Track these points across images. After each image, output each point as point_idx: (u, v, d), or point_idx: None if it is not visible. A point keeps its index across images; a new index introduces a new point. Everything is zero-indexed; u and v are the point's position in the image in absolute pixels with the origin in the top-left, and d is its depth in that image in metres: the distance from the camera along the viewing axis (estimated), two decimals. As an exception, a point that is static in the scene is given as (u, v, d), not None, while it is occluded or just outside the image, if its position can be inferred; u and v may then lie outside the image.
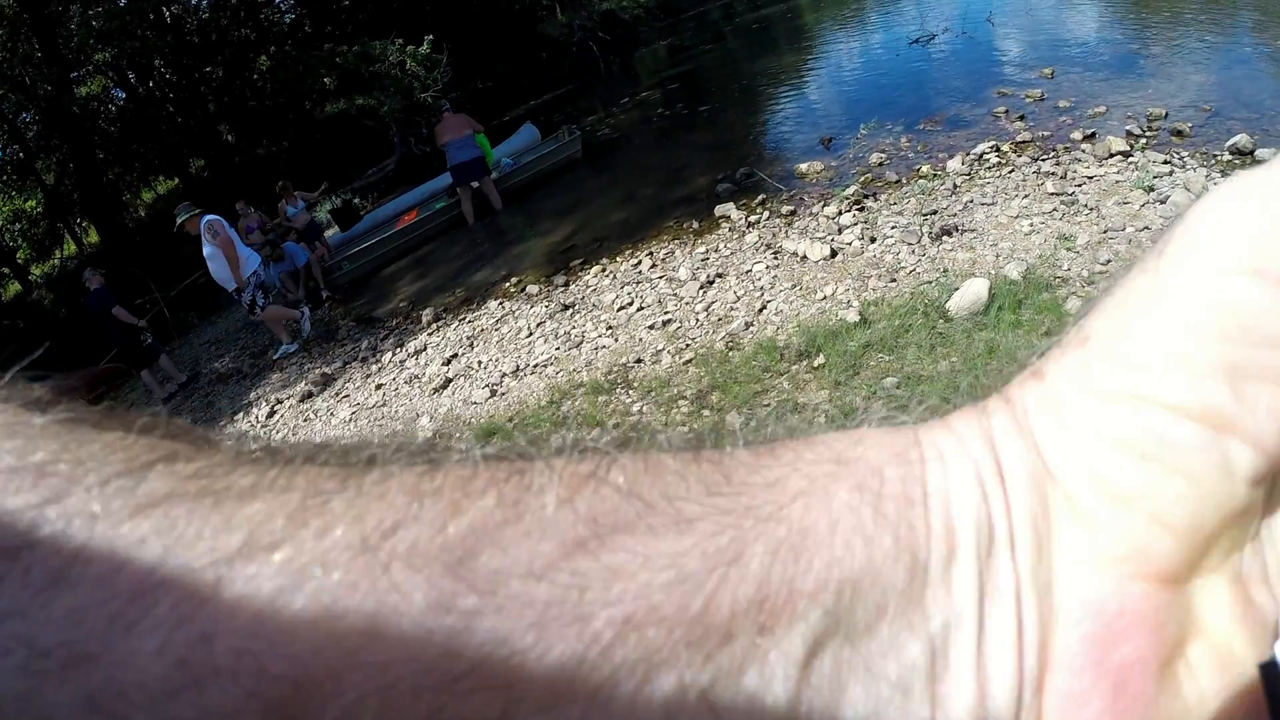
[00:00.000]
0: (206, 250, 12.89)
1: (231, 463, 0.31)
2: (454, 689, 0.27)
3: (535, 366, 9.07)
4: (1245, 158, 11.79)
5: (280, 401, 11.23)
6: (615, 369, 8.17)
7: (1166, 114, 13.48)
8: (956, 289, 7.16)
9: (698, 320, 8.67)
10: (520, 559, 0.31)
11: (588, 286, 10.94)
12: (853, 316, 7.37)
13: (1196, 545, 0.37)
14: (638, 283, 10.32)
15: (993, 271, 7.71)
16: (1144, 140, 12.28)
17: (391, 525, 0.29)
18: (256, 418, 10.99)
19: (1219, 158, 11.70)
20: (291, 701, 0.25)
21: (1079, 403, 0.38)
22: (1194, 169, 11.05)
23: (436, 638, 0.28)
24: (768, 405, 6.57)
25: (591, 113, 23.24)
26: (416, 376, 10.16)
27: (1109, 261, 7.68)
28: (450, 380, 9.57)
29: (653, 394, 7.42)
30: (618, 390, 7.77)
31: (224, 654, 0.25)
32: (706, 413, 6.79)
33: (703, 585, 0.33)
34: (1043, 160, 11.23)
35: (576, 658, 0.29)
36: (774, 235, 10.41)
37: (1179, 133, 12.74)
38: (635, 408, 7.33)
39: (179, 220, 13.16)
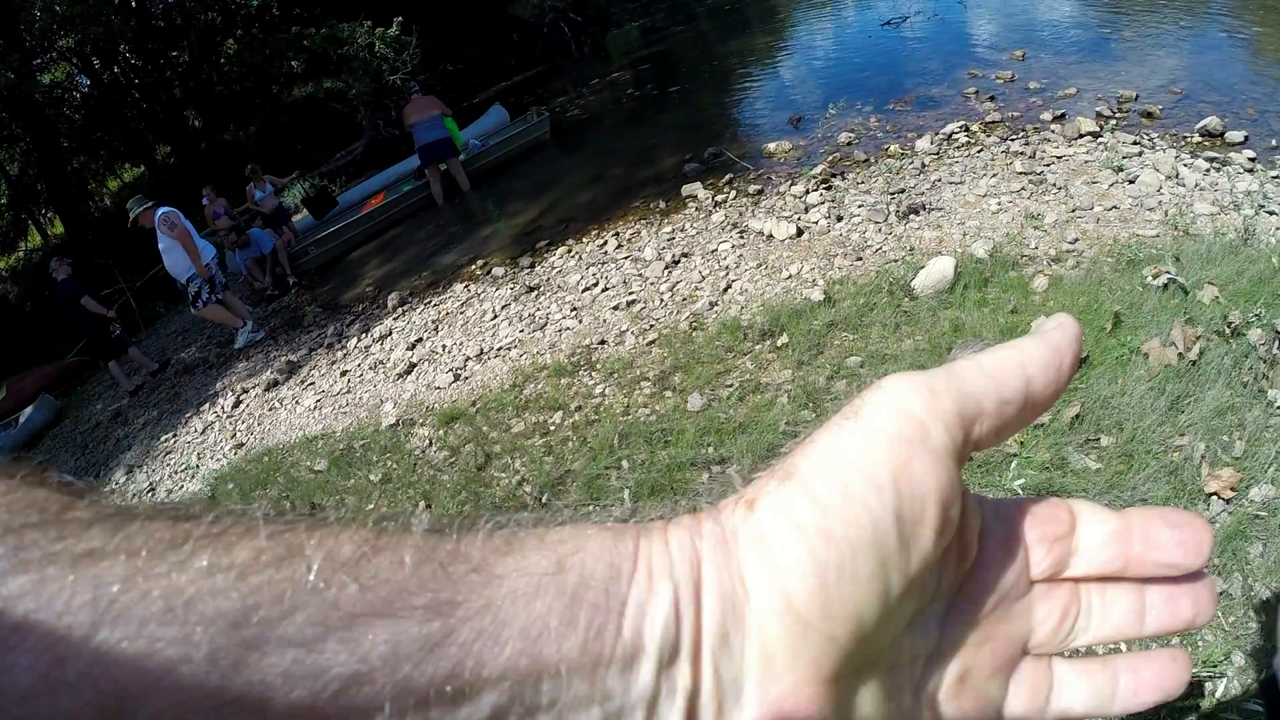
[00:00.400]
0: (162, 244, 12.69)
1: (88, 523, 0.40)
2: (219, 714, 0.37)
3: (499, 349, 9.04)
4: (1215, 139, 12.00)
5: (246, 391, 11.13)
6: (579, 350, 8.14)
7: (1137, 96, 13.63)
8: (922, 267, 7.17)
9: (662, 301, 8.68)
10: (284, 630, 0.40)
11: (553, 268, 10.90)
12: (817, 295, 7.36)
13: (861, 657, 0.48)
14: (603, 263, 10.31)
15: (959, 250, 7.73)
16: (1114, 122, 12.39)
17: (194, 594, 0.39)
18: (222, 409, 10.88)
19: (1189, 139, 11.91)
20: (114, 709, 0.36)
21: (778, 535, 0.47)
22: (1163, 150, 11.20)
23: (212, 678, 0.37)
24: (730, 385, 6.55)
25: (562, 94, 23.14)
26: (381, 362, 10.11)
27: (1076, 240, 7.75)
28: (414, 365, 9.53)
29: (615, 375, 7.40)
30: (581, 372, 7.75)
31: (72, 673, 0.36)
32: (669, 394, 6.77)
33: (411, 658, 0.41)
34: (1012, 140, 11.27)
35: (307, 703, 0.39)
36: (740, 215, 10.42)
37: (1149, 115, 12.91)
38: (598, 389, 7.31)
39: (132, 215, 12.91)
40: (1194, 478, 4.73)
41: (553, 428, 7.00)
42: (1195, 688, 3.70)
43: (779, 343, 6.95)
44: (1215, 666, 3.74)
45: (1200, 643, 3.93)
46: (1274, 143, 11.97)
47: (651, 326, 8.17)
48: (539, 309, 9.72)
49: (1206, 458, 4.84)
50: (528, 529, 0.51)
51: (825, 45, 19.79)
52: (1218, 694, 3.61)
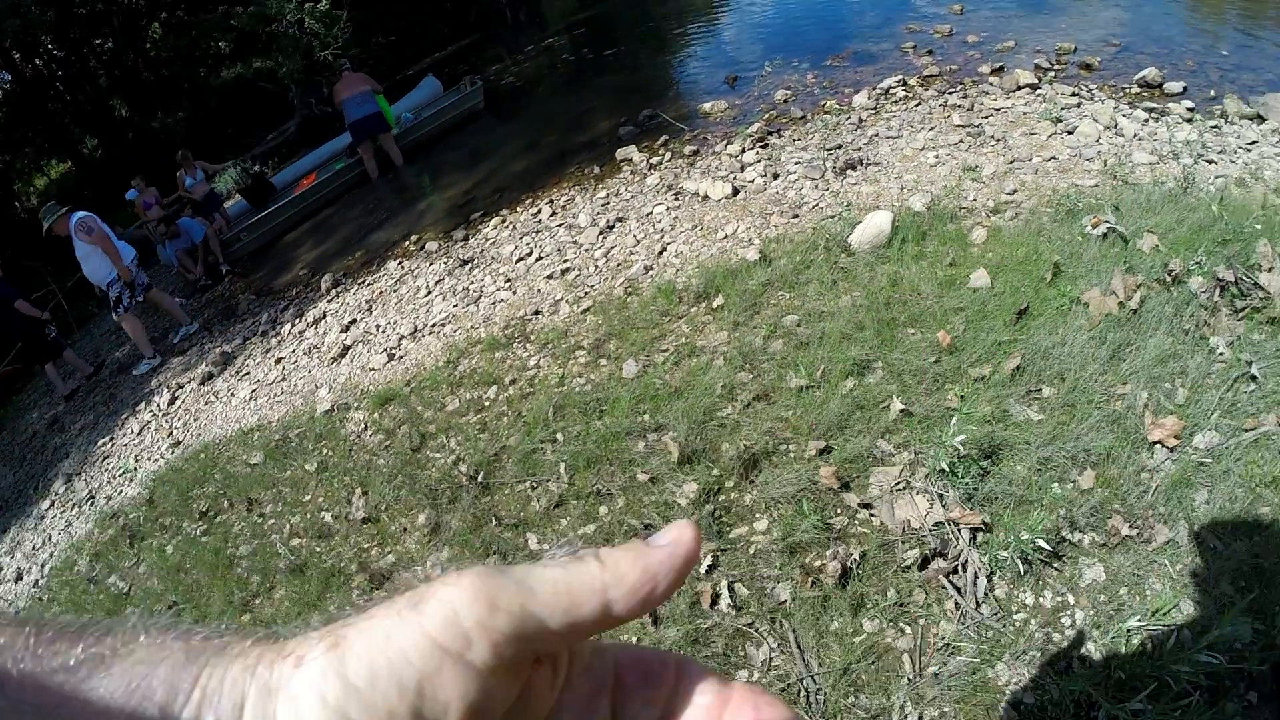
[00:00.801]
0: (80, 250, 12.09)
1: None
2: None
3: (433, 326, 8.81)
4: (1154, 90, 12.09)
5: (181, 386, 10.80)
6: (513, 323, 7.94)
7: (1075, 49, 13.70)
8: (859, 223, 7.03)
9: (597, 267, 8.54)
10: None
11: (487, 239, 10.67)
12: (753, 255, 7.22)
13: None
14: (537, 232, 10.14)
15: (896, 204, 7.62)
16: (1052, 74, 12.40)
17: None
18: (158, 407, 10.54)
19: (1127, 90, 11.98)
20: None
21: (307, 703, 0.49)
22: (1102, 101, 11.20)
23: None
24: (665, 350, 6.39)
25: (496, 62, 22.78)
26: (316, 347, 9.84)
27: (1014, 192, 7.67)
28: (349, 348, 9.27)
29: (550, 346, 7.21)
30: (515, 345, 7.56)
31: None
32: (604, 362, 6.60)
33: None
34: (950, 94, 11.21)
35: None
36: (676, 176, 10.31)
37: (1088, 66, 13.02)
38: (533, 361, 7.11)
39: (46, 224, 12.20)
40: (1137, 426, 4.61)
41: (487, 403, 6.81)
42: (1146, 640, 3.61)
43: (714, 304, 6.79)
44: (1165, 616, 3.63)
45: (1148, 592, 3.86)
46: (1212, 93, 12.20)
47: (586, 294, 7.99)
48: (473, 282, 9.49)
49: (1149, 406, 4.73)
50: (131, 642, 0.54)
51: (763, 3, 19.64)
52: (1168, 644, 3.49)
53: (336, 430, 7.41)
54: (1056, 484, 4.41)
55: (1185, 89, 12.19)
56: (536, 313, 8.10)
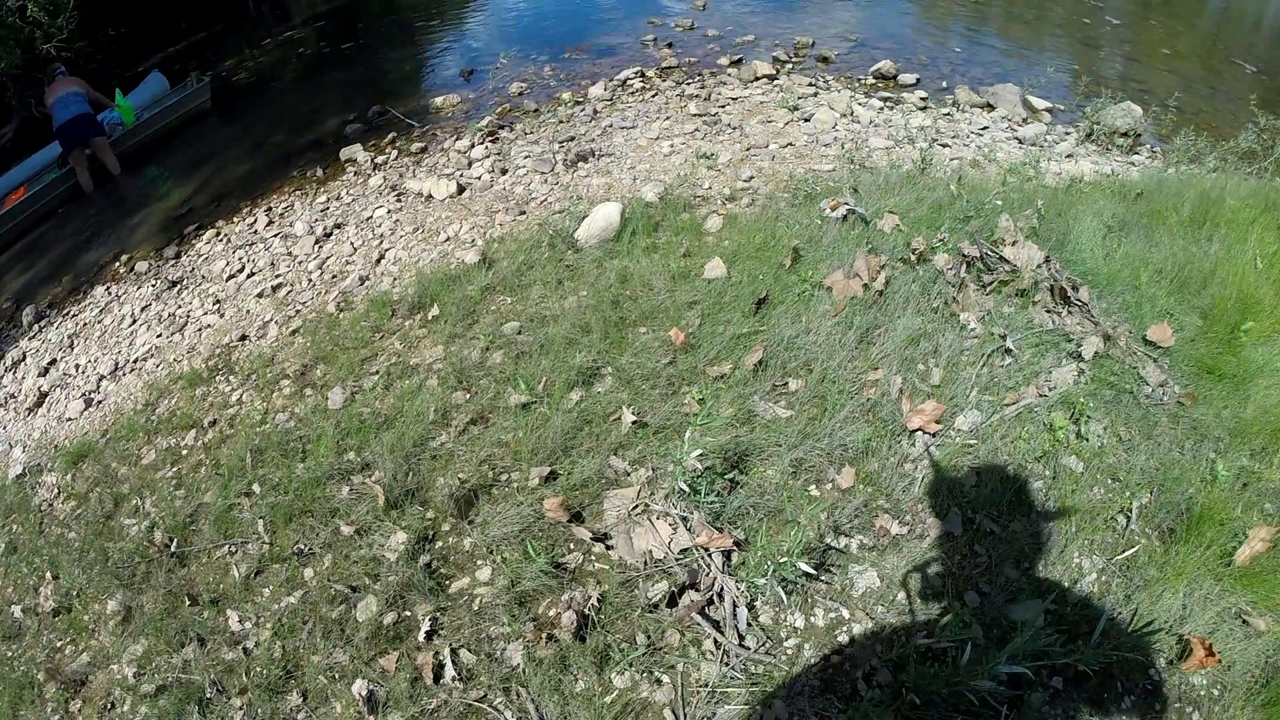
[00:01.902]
0: None
1: None
2: None
3: (135, 362, 7.52)
4: (889, 81, 12.38)
5: None
6: (218, 351, 6.86)
7: (814, 43, 13.89)
8: (586, 216, 6.34)
9: (310, 281, 7.61)
10: None
11: (199, 255, 9.36)
12: (473, 258, 6.45)
13: None
14: (251, 244, 9.01)
15: (629, 195, 7.09)
16: (790, 65, 12.43)
17: None
18: None
19: (863, 81, 12.12)
20: None
21: None
22: (838, 90, 11.21)
23: None
24: (375, 373, 5.51)
25: (231, 56, 21.17)
26: (12, 396, 8.34)
27: (751, 178, 7.31)
28: (45, 395, 7.86)
29: (255, 376, 6.19)
30: (218, 377, 6.47)
31: None
32: (309, 392, 5.67)
33: None
34: (687, 84, 10.97)
35: None
36: (400, 176, 9.53)
37: (825, 59, 13.25)
38: (235, 396, 6.07)
39: None
40: (894, 415, 4.12)
41: (185, 452, 5.70)
42: (938, 657, 3.13)
43: (430, 315, 5.98)
44: (958, 634, 3.13)
45: (927, 590, 3.39)
46: (944, 84, 12.71)
47: (297, 312, 7.02)
48: (180, 306, 8.21)
49: (905, 391, 4.24)
50: None
51: None
52: (963, 657, 3.00)
53: (27, 500, 6.05)
54: (814, 486, 3.83)
55: (919, 80, 12.59)
56: (243, 338, 7.02)
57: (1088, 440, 4.03)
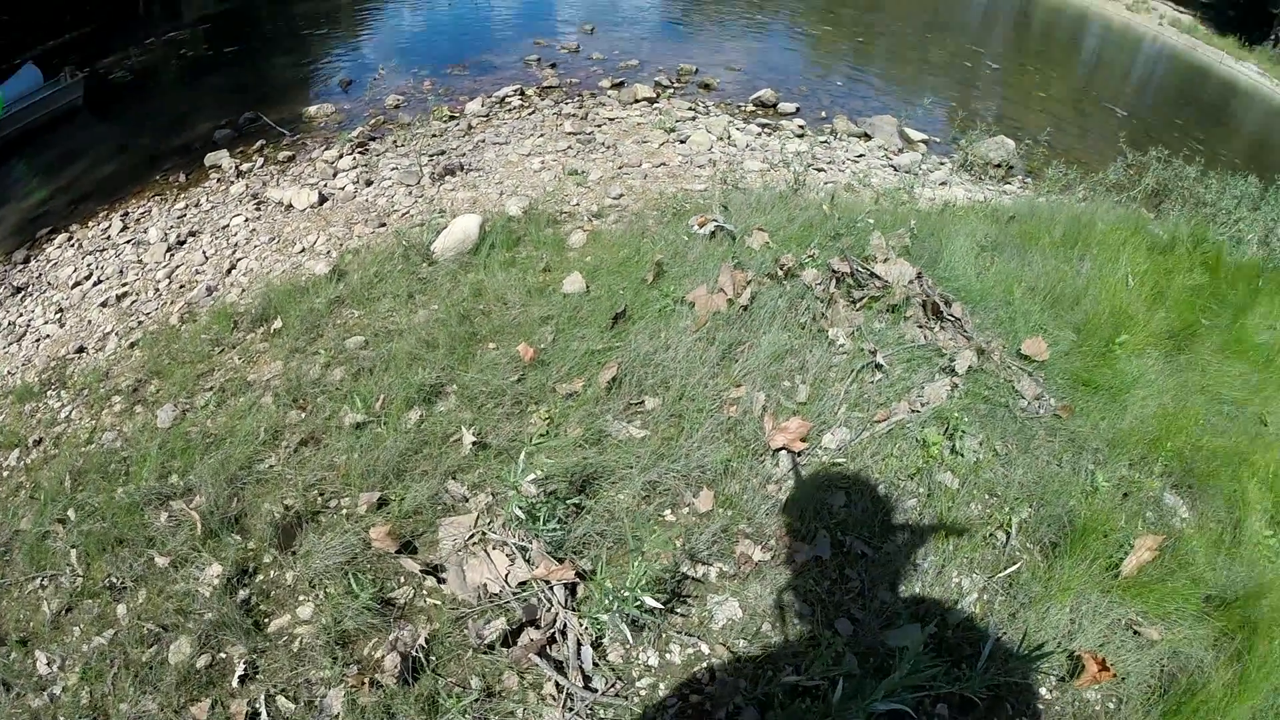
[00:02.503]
0: None
1: None
2: None
3: (-33, 379, 6.90)
4: (769, 109, 12.51)
5: None
6: (53, 364, 6.37)
7: (697, 70, 14.01)
8: (444, 229, 5.93)
9: (157, 291, 7.22)
10: None
11: (48, 260, 8.76)
12: (322, 269, 6.00)
13: None
14: (103, 250, 8.51)
15: (492, 209, 6.74)
16: (672, 90, 12.50)
17: None
18: None
19: (743, 108, 12.20)
20: None
21: None
22: (717, 115, 11.15)
23: None
24: (210, 389, 4.99)
25: (117, 53, 20.18)
26: None
27: (620, 196, 7.08)
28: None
29: (87, 391, 5.70)
30: (50, 392, 5.93)
31: None
32: (139, 409, 5.18)
33: None
34: (566, 103, 10.81)
35: None
36: (263, 184, 9.18)
37: (707, 85, 13.40)
38: (64, 413, 5.56)
39: None
40: (757, 434, 3.75)
41: (5, 473, 5.12)
42: (809, 693, 2.76)
43: (273, 328, 5.49)
44: (829, 669, 2.77)
45: (794, 620, 3.02)
46: (823, 114, 12.94)
47: (139, 324, 6.62)
48: (21, 314, 7.62)
49: (769, 408, 3.88)
50: None
51: (400, 11, 18.98)
52: (836, 695, 2.61)
53: None
54: (669, 511, 3.43)
55: (798, 109, 12.73)
56: (80, 350, 6.56)
57: (963, 456, 3.75)
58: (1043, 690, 2.92)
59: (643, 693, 2.81)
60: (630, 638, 2.90)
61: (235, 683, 3.03)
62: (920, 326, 4.63)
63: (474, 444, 3.79)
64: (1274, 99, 35.67)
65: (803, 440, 3.64)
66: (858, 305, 4.71)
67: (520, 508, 3.20)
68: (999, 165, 11.22)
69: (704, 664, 2.88)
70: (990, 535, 3.46)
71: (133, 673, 3.22)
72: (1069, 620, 3.13)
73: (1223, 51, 40.01)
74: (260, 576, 3.50)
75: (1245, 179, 10.12)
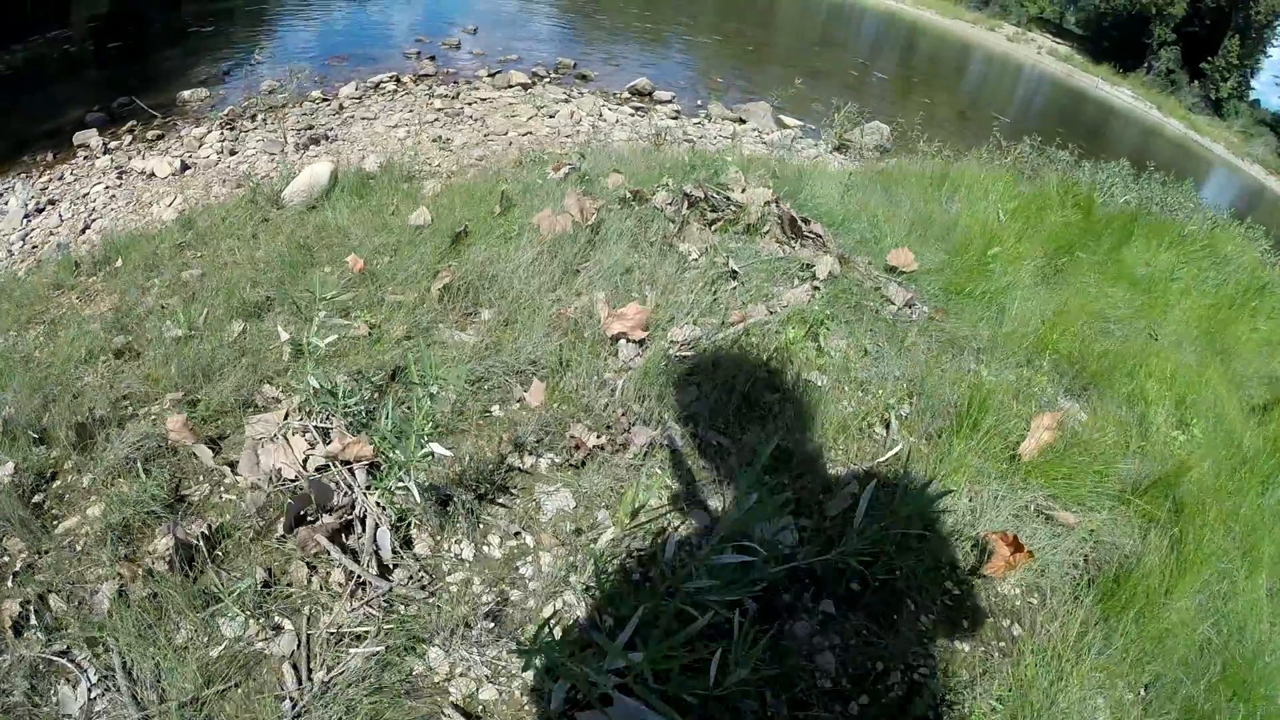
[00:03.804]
0: None
1: None
2: None
3: None
4: (645, 96, 12.48)
5: None
6: (-111, 313, 5.85)
7: (575, 64, 13.99)
8: (294, 176, 5.56)
9: (10, 252, 7.19)
10: None
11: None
12: (170, 216, 5.69)
13: None
14: None
15: (350, 165, 6.39)
16: (548, 79, 12.49)
17: None
18: None
19: (618, 95, 12.23)
20: None
21: None
22: (590, 97, 11.29)
23: None
24: (42, 324, 4.52)
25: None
26: None
27: (482, 158, 7.03)
28: None
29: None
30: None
31: None
32: None
33: None
34: (439, 87, 10.75)
35: None
36: (129, 158, 9.14)
37: (584, 77, 13.41)
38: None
39: None
40: (598, 335, 3.39)
41: None
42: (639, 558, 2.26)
43: (114, 269, 5.11)
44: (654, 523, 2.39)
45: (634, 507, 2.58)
46: (699, 104, 13.00)
47: None
48: None
49: (610, 301, 3.50)
50: None
51: (292, 12, 18.45)
52: (666, 555, 2.23)
53: None
54: (497, 406, 3.03)
55: (674, 98, 12.78)
56: None
57: (830, 356, 3.45)
58: (947, 583, 2.57)
59: (454, 588, 2.40)
60: (421, 500, 2.45)
61: (10, 583, 2.58)
62: (779, 243, 4.36)
63: (291, 346, 3.37)
64: (1147, 119, 37.76)
65: (644, 329, 3.29)
66: (712, 227, 4.42)
67: (318, 382, 2.79)
68: (875, 149, 11.11)
69: (528, 558, 2.51)
70: (868, 428, 3.16)
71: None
72: (968, 508, 2.81)
73: (1098, 78, 42.19)
74: (58, 482, 3.04)
75: (1118, 162, 10.28)
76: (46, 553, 2.66)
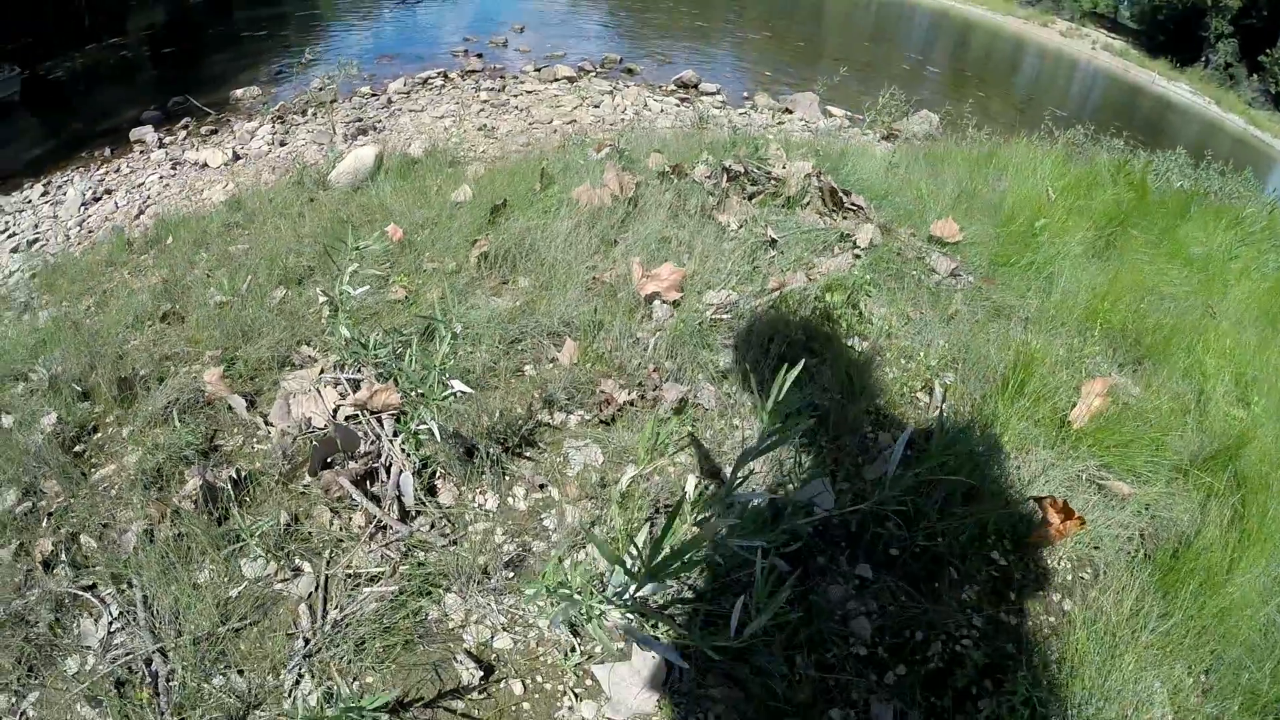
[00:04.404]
0: None
1: None
2: None
3: None
4: (691, 89, 12.53)
5: None
6: (-41, 298, 6.19)
7: (621, 59, 14.02)
8: (342, 159, 5.63)
9: (68, 236, 7.59)
10: None
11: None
12: (219, 196, 5.85)
13: None
14: (21, 211, 8.85)
15: (396, 150, 6.46)
16: (593, 73, 12.56)
17: None
18: None
19: (663, 87, 12.33)
20: None
21: None
22: (634, 88, 11.51)
23: None
24: (93, 295, 4.67)
25: (58, 56, 19.73)
26: None
27: (527, 145, 7.03)
28: None
29: (-17, 307, 5.53)
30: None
31: None
32: (26, 317, 4.81)
33: None
34: (485, 81, 10.92)
35: None
36: (183, 151, 9.51)
37: (630, 71, 13.44)
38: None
39: None
40: (634, 297, 3.31)
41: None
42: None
43: (165, 245, 5.28)
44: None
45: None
46: (745, 95, 13.07)
47: (44, 262, 6.48)
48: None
49: (644, 264, 3.43)
50: None
51: (341, 17, 18.97)
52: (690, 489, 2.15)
53: None
54: (530, 366, 2.98)
55: (719, 89, 12.84)
56: None
57: (871, 322, 3.33)
58: (994, 554, 2.43)
59: (476, 538, 2.34)
60: (442, 441, 2.42)
61: (46, 523, 2.58)
62: (820, 215, 4.27)
63: (329, 307, 3.34)
64: (1206, 114, 36.58)
65: (678, 290, 3.23)
66: (753, 200, 4.34)
67: (349, 331, 2.75)
68: (924, 137, 10.91)
69: (552, 511, 2.45)
70: (910, 393, 3.04)
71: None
72: (1015, 475, 2.66)
73: (1154, 73, 40.92)
74: (99, 434, 3.05)
75: (1174, 151, 10.06)
76: (83, 496, 2.67)
